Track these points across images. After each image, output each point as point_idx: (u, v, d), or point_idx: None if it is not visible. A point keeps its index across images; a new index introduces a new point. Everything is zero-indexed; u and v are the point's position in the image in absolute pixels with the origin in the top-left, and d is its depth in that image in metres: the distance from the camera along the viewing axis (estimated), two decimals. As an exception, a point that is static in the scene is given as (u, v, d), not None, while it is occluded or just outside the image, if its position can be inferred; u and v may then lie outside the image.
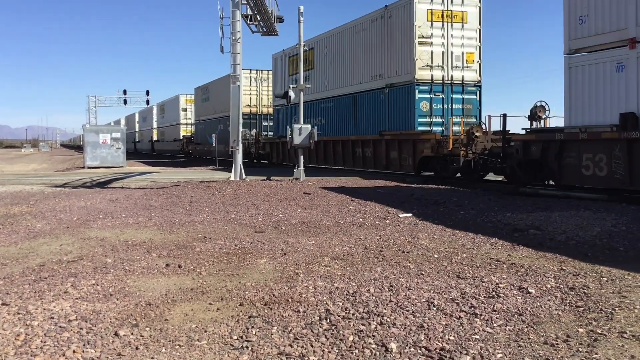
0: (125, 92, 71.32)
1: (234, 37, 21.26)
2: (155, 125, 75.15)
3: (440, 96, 22.60)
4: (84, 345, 4.48)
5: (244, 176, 21.29)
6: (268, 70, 39.95)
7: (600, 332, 4.71)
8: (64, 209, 13.01)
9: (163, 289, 6.14)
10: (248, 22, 23.41)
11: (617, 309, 5.31)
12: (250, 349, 4.41)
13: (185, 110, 59.94)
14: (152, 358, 4.28)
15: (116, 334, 4.71)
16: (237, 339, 4.61)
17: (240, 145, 21.57)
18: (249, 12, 22.94)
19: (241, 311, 5.35)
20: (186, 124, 59.95)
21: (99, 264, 7.37)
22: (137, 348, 4.43)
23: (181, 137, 58.72)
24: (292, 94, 22.53)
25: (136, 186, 19.73)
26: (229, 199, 15.08)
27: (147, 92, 70.92)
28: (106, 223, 10.94)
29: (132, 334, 4.73)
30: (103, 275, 6.76)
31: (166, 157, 60.55)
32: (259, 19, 23.56)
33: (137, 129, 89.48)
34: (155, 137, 75.20)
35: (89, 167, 33.71)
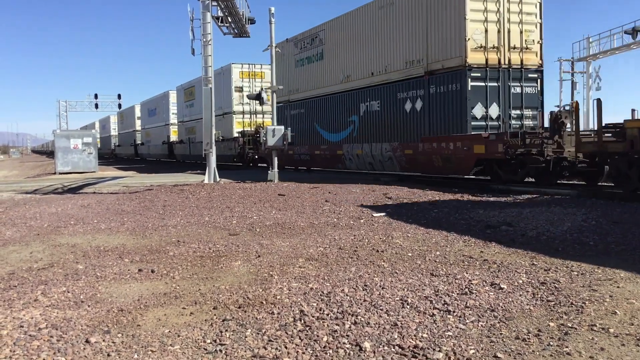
0: (96, 96, 70.32)
1: (204, 39, 21.15)
2: (173, 119, 53.06)
3: None
4: (54, 353, 4.41)
5: (217, 179, 21.20)
6: None
7: (570, 325, 4.77)
8: (34, 216, 12.80)
9: (135, 295, 6.07)
10: (219, 24, 23.31)
11: (587, 302, 5.39)
12: (223, 352, 4.38)
13: (240, 89, 37.00)
14: (124, 364, 4.22)
15: (87, 341, 4.64)
16: (211, 343, 4.58)
17: (214, 147, 21.47)
18: (220, 14, 22.85)
19: (215, 315, 5.31)
20: (242, 113, 37.72)
21: (70, 270, 7.26)
22: (108, 355, 4.37)
23: (235, 135, 37.22)
24: (264, 95, 22.50)
25: (108, 191, 19.50)
26: (203, 202, 14.99)
27: (119, 96, 70.08)
28: (77, 229, 10.79)
29: (103, 340, 4.67)
30: (74, 282, 6.66)
31: (198, 165, 38.25)
32: (229, 20, 23.47)
33: (137, 127, 68.03)
34: (174, 137, 53.05)
35: (61, 173, 33.27)
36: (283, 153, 28.20)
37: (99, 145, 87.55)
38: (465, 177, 19.11)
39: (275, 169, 21.88)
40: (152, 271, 7.12)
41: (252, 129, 36.06)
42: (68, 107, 73.66)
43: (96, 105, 70.59)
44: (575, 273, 6.55)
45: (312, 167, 29.67)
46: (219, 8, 22.37)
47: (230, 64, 36.99)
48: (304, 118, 29.03)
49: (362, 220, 11.13)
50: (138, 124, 68.45)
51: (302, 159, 29.62)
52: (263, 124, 35.25)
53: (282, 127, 22.27)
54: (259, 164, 35.22)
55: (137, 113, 68.02)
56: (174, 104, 52.09)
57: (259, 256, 7.92)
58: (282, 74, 29.43)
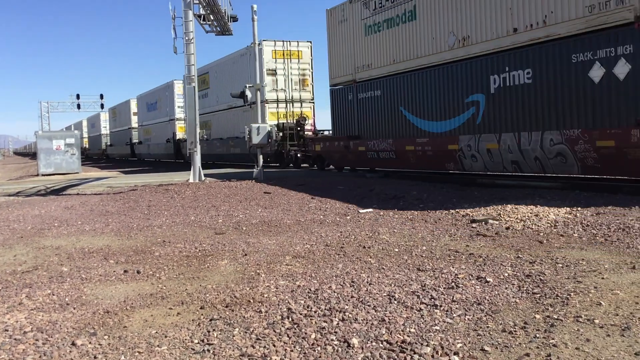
0: (78, 96, 69.91)
1: (187, 38, 21.03)
2: (179, 113, 44.14)
3: None
4: (40, 357, 4.36)
5: (202, 178, 21.12)
6: None
7: (556, 317, 4.81)
8: (17, 219, 12.67)
9: (121, 296, 6.03)
10: (201, 21, 23.18)
11: (572, 294, 5.44)
12: (211, 352, 4.36)
13: (273, 72, 29.01)
14: (112, 366, 4.19)
15: (73, 344, 4.60)
16: (198, 343, 4.56)
17: (199, 146, 21.39)
18: (202, 11, 22.73)
19: (202, 314, 5.29)
20: (276, 102, 30.22)
21: (55, 273, 7.20)
22: (95, 357, 4.34)
23: (269, 129, 25.55)
24: (248, 93, 22.43)
25: (92, 192, 19.34)
26: (189, 201, 14.92)
27: (101, 96, 69.66)
28: (61, 231, 10.70)
29: (90, 343, 4.63)
30: (59, 284, 6.60)
31: (215, 166, 33.10)
32: (212, 18, 23.35)
33: (134, 124, 59.34)
34: (181, 134, 43.14)
35: (43, 175, 32.92)
36: (348, 150, 22.47)
37: (87, 146, 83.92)
38: (450, 172, 18.82)
39: (260, 167, 21.85)
40: (138, 272, 7.07)
41: (293, 121, 28.72)
42: (50, 107, 73.05)
43: (78, 106, 70.15)
44: (560, 265, 6.60)
45: (400, 169, 20.92)
46: (200, 6, 22.25)
47: (262, 41, 29.12)
48: (382, 102, 20.75)
49: (348, 217, 11.14)
50: (134, 121, 59.01)
51: (382, 157, 20.89)
52: (302, 113, 29.50)
53: (267, 125, 22.29)
54: (303, 165, 28.67)
55: (134, 108, 58.77)
56: (181, 95, 42.50)
57: (246, 255, 7.90)
58: (342, 46, 22.50)
